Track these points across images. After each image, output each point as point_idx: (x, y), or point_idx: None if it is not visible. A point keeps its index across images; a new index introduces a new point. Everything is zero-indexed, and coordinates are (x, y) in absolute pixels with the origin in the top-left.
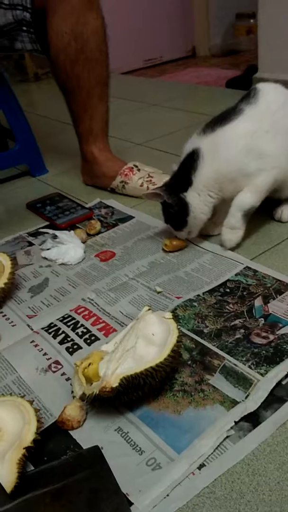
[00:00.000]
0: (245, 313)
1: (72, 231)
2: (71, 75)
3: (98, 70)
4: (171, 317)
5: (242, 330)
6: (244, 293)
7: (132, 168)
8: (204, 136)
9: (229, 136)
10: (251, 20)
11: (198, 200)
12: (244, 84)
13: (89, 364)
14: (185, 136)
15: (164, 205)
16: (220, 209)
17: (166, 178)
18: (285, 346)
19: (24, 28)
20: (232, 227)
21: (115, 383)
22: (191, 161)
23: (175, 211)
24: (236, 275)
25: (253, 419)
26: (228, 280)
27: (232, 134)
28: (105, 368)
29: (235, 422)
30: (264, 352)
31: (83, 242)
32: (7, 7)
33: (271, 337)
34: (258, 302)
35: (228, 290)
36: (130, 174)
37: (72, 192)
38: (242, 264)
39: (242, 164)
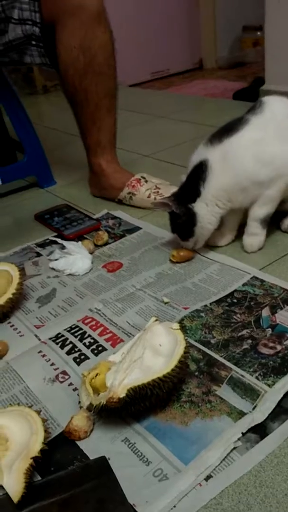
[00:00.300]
0: (253, 323)
1: (79, 242)
2: (79, 88)
3: (106, 83)
4: (179, 328)
5: (250, 341)
6: (252, 303)
7: (140, 179)
8: (212, 147)
9: (236, 145)
10: (258, 33)
11: (206, 211)
12: (251, 96)
13: (97, 375)
14: (192, 148)
15: (172, 215)
16: (227, 220)
17: (173, 189)
18: None
19: (33, 42)
20: (252, 234)
21: (122, 394)
22: (199, 172)
23: (182, 221)
24: (243, 285)
25: (260, 431)
26: (236, 290)
27: (240, 144)
28: (112, 378)
29: (242, 433)
30: (271, 362)
31: (91, 252)
32: (17, 22)
33: (279, 347)
34: (265, 312)
35: (235, 300)
36: (138, 186)
37: (79, 203)
38: (250, 274)
39: (252, 173)
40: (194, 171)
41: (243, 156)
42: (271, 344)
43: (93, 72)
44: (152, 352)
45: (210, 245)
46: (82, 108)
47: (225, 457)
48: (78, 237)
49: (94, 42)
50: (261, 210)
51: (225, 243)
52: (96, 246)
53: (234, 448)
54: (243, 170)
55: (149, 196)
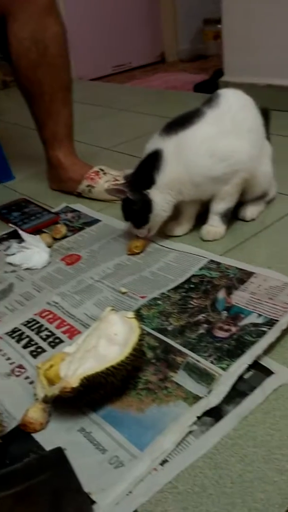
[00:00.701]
0: (209, 307)
1: (37, 236)
2: (33, 80)
3: (60, 75)
4: (133, 316)
5: (205, 325)
6: (208, 286)
7: (98, 172)
8: (168, 137)
9: (191, 140)
10: (218, 25)
11: (160, 198)
12: (212, 88)
13: (51, 366)
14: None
15: (126, 202)
16: (185, 209)
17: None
18: (246, 338)
19: None
20: (211, 225)
21: (75, 383)
22: (154, 161)
23: (138, 208)
24: (200, 269)
25: (215, 414)
26: (193, 275)
27: (195, 138)
28: (66, 369)
29: (197, 417)
30: (226, 345)
31: (49, 246)
32: None
33: (233, 329)
34: (221, 294)
35: (192, 285)
36: (96, 178)
37: (38, 197)
38: (206, 258)
39: (207, 169)
40: (147, 159)
41: (198, 151)
42: (226, 327)
43: (46, 64)
44: (107, 341)
45: (168, 235)
46: (37, 101)
47: (181, 441)
48: (37, 231)
49: (46, 34)
50: (220, 205)
51: (182, 232)
52: (55, 239)
53: (190, 432)
54: (197, 165)
55: None
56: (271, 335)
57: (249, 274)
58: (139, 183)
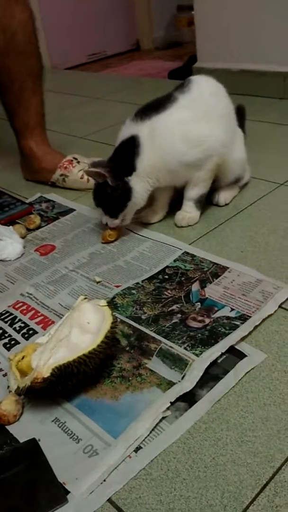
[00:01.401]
0: (183, 298)
1: (10, 227)
2: (1, 67)
3: (29, 62)
4: (106, 304)
5: (179, 315)
6: (182, 278)
7: (72, 160)
8: (141, 122)
9: (165, 124)
10: (192, 12)
11: (140, 186)
12: (186, 75)
13: (23, 357)
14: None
15: (101, 188)
16: (159, 197)
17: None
18: (220, 329)
19: None
20: (185, 211)
21: (47, 373)
22: (131, 147)
23: (117, 195)
24: (174, 261)
25: (189, 399)
26: (167, 266)
27: (168, 123)
28: (38, 359)
29: (171, 402)
30: (199, 335)
31: (22, 237)
32: None
33: (207, 320)
34: (195, 287)
35: (166, 276)
36: (70, 167)
37: (12, 188)
38: (181, 249)
39: (181, 154)
40: (124, 145)
41: (171, 136)
42: (199, 318)
43: (15, 51)
44: (80, 330)
45: (143, 222)
46: (6, 89)
47: (154, 427)
48: (10, 222)
49: (13, 21)
50: (193, 191)
51: (157, 219)
52: (29, 230)
53: (164, 418)
54: (172, 150)
55: (82, 177)
56: (244, 329)
57: (223, 268)
58: (120, 170)
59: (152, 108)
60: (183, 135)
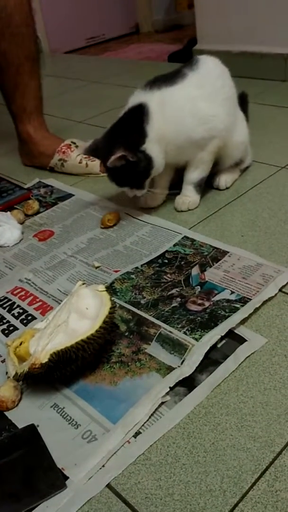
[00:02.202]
0: (182, 282)
1: (8, 213)
2: None
3: (25, 45)
4: (105, 289)
5: (179, 299)
6: (182, 262)
7: (70, 145)
8: (151, 92)
9: (175, 97)
10: None
11: (157, 151)
12: (186, 57)
13: (21, 343)
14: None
15: (120, 168)
16: (159, 180)
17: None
18: (219, 312)
19: None
20: (185, 195)
21: (44, 359)
22: (140, 114)
23: (141, 167)
24: (174, 245)
25: (189, 384)
26: (167, 251)
27: (178, 96)
28: (36, 345)
29: (170, 387)
30: (199, 318)
31: (21, 223)
32: None
33: (207, 303)
34: (195, 270)
35: (166, 260)
36: (68, 152)
37: (11, 174)
38: (180, 234)
39: (189, 129)
40: (131, 112)
41: (181, 110)
42: (199, 301)
43: (11, 34)
44: (78, 315)
45: (142, 207)
46: (3, 73)
47: (154, 412)
48: (9, 208)
49: (9, 2)
50: (194, 174)
51: (157, 203)
52: (27, 215)
53: (163, 403)
54: (180, 125)
55: (80, 162)
56: (244, 311)
57: (224, 252)
58: (134, 141)
59: (162, 80)
60: (192, 111)
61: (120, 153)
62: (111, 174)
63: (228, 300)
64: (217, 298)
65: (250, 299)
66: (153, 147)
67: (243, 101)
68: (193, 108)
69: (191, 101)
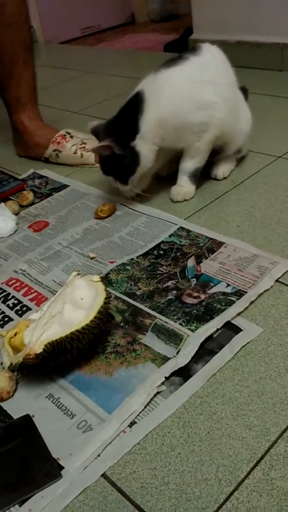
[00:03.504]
0: (178, 274)
1: (3, 204)
2: None
3: (20, 34)
4: (99, 279)
5: (175, 291)
6: (178, 254)
7: (65, 135)
8: (152, 77)
9: (173, 79)
10: None
11: (146, 148)
12: (182, 47)
13: (16, 334)
14: (122, 102)
15: (108, 157)
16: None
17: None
18: (215, 305)
19: None
20: (180, 185)
21: (39, 349)
22: (136, 104)
23: (126, 162)
24: (170, 236)
25: (184, 373)
26: (162, 242)
27: (177, 78)
28: (30, 335)
29: (166, 377)
30: (195, 311)
31: (15, 214)
32: None
33: (202, 296)
34: (191, 262)
35: (162, 252)
36: (63, 142)
37: (5, 164)
38: (176, 224)
39: (187, 112)
40: (129, 102)
41: (179, 92)
42: (195, 294)
43: (5, 23)
44: (73, 306)
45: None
46: None
47: (149, 402)
48: (3, 199)
49: None
50: (189, 164)
51: (140, 189)
52: (22, 206)
53: (158, 392)
54: (178, 107)
55: (75, 152)
56: (240, 304)
57: (219, 243)
58: (124, 135)
59: (164, 64)
60: (192, 95)
61: (106, 143)
62: (100, 160)
63: (224, 293)
64: (213, 290)
65: (246, 292)
66: (143, 144)
67: (244, 95)
68: (193, 91)
69: (192, 85)
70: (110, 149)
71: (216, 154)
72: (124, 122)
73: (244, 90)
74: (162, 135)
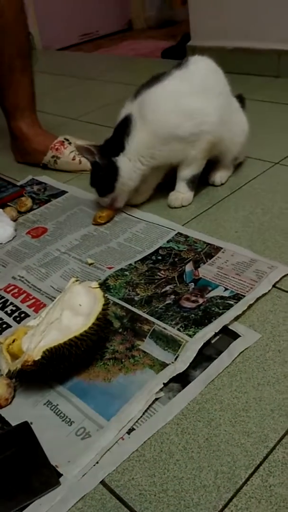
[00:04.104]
0: (176, 279)
1: (1, 210)
2: None
3: (18, 41)
4: (98, 286)
5: (173, 296)
6: (176, 259)
7: (63, 141)
8: (135, 100)
9: (156, 96)
10: None
11: (128, 166)
12: (180, 53)
13: (14, 341)
14: (120, 108)
15: (95, 167)
16: (147, 179)
17: None
18: (213, 309)
19: None
20: (178, 192)
21: (37, 356)
22: (124, 127)
23: (103, 174)
24: (168, 242)
25: (182, 380)
26: (160, 247)
27: (160, 94)
28: (29, 342)
29: (164, 384)
30: (193, 315)
31: (14, 220)
32: None
33: (200, 300)
34: (189, 267)
35: (160, 257)
36: (61, 148)
37: (3, 171)
38: (174, 230)
39: (174, 126)
40: (119, 126)
41: (164, 107)
42: (193, 298)
43: (2, 30)
44: (71, 312)
45: (130, 205)
46: None
47: (147, 408)
48: (1, 205)
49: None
50: (187, 171)
51: (141, 201)
52: (20, 213)
53: (157, 399)
54: (164, 122)
55: (74, 159)
56: (238, 308)
57: (217, 249)
58: (109, 149)
59: (145, 85)
60: (176, 107)
61: (91, 147)
62: (91, 171)
63: (222, 297)
64: (211, 294)
65: (244, 296)
66: (125, 161)
67: (241, 103)
68: (177, 104)
69: (175, 97)
70: (92, 155)
71: (213, 163)
72: (113, 140)
73: (240, 99)
74: (152, 155)
